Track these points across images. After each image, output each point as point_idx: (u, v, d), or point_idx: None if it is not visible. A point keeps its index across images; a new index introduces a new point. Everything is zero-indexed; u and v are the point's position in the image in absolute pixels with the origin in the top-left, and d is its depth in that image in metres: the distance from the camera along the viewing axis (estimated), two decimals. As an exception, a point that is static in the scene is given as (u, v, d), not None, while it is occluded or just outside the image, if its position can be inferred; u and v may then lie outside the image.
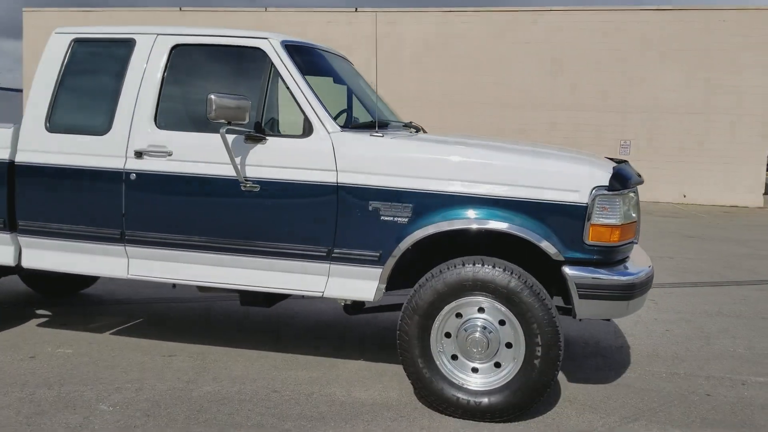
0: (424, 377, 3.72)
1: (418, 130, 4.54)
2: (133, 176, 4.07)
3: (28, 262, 4.38)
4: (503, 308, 3.63)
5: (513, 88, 20.48)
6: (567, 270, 3.57)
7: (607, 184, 3.55)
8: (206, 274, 4.10)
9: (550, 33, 20.32)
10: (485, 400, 3.65)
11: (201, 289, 4.52)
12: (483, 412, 3.65)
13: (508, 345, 3.68)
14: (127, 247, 4.14)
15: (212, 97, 3.65)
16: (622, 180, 3.59)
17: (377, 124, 4.10)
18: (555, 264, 3.63)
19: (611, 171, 3.60)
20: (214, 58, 4.18)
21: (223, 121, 3.69)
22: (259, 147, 3.90)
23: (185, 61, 4.17)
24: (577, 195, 3.56)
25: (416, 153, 3.81)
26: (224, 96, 3.66)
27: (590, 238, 3.56)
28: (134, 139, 4.08)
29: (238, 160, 3.91)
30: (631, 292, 3.60)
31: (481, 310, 3.70)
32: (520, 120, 20.30)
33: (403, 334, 3.74)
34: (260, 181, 3.88)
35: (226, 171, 3.94)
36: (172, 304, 6.08)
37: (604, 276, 3.56)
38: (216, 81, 4.17)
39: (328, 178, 3.82)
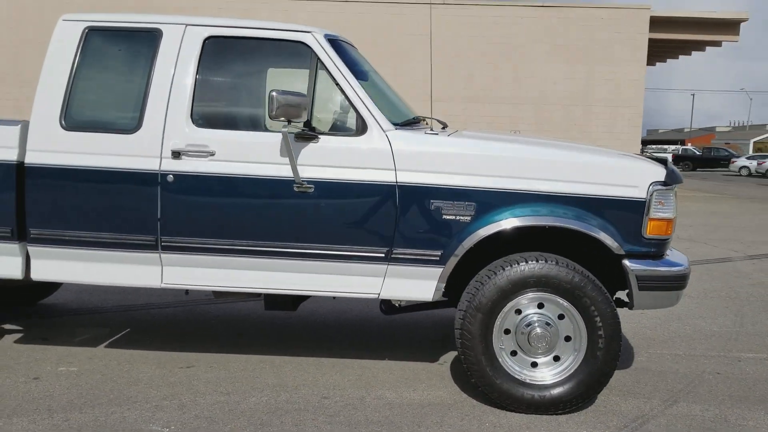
0: (488, 375, 3.75)
1: (444, 126, 4.52)
2: (170, 178, 3.77)
3: (38, 274, 3.95)
4: (565, 303, 3.72)
5: (410, 80, 20.73)
6: (628, 263, 3.72)
7: (663, 179, 3.72)
8: (250, 279, 3.88)
9: (447, 26, 20.74)
10: (548, 393, 3.74)
11: (218, 295, 4.29)
12: (547, 405, 3.74)
13: (567, 338, 3.79)
14: (162, 255, 3.84)
15: (275, 94, 3.46)
16: (673, 176, 3.77)
17: (415, 121, 4.05)
18: (613, 258, 3.76)
19: (665, 168, 3.77)
20: (251, 52, 3.95)
21: (283, 119, 3.52)
22: (311, 146, 3.74)
23: (219, 54, 3.90)
24: (636, 190, 3.71)
25: (478, 151, 3.80)
26: (286, 93, 3.49)
27: (648, 231, 3.72)
28: (170, 138, 3.78)
29: (287, 160, 3.73)
30: (683, 282, 3.81)
31: (540, 305, 3.77)
32: (417, 111, 20.60)
33: (466, 333, 3.74)
34: (314, 182, 3.73)
35: (276, 171, 3.75)
36: (152, 310, 5.72)
37: (661, 268, 3.74)
38: (254, 76, 3.95)
39: (387, 177, 3.73)
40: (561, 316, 3.78)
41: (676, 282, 3.77)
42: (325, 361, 4.54)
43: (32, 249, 3.88)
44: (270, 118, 3.53)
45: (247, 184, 3.76)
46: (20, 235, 3.87)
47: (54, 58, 3.86)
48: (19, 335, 4.92)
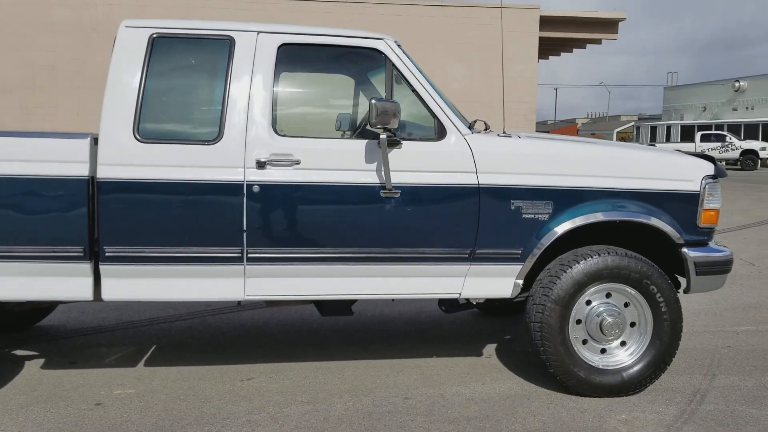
0: (566, 364, 3.96)
1: (487, 127, 4.67)
2: (256, 188, 3.68)
3: (110, 294, 3.72)
4: (632, 291, 4.01)
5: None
6: (687, 251, 4.05)
7: (713, 173, 4.09)
8: (335, 286, 3.87)
9: (350, 24, 20.84)
10: (620, 376, 4.01)
11: (270, 303, 4.25)
12: (620, 388, 4.01)
13: (632, 324, 4.07)
14: (246, 266, 3.74)
15: (374, 102, 3.49)
16: (720, 170, 4.14)
17: (473, 124, 4.18)
18: (670, 247, 4.08)
19: (714, 163, 4.13)
20: (324, 59, 3.93)
21: (380, 127, 3.56)
22: (395, 152, 3.78)
23: (294, 61, 3.85)
24: (691, 184, 4.04)
25: (552, 152, 3.99)
26: (384, 101, 3.53)
27: (702, 221, 4.07)
28: (253, 148, 3.69)
29: (375, 165, 3.76)
30: (730, 266, 4.19)
31: (608, 295, 4.04)
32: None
33: (546, 325, 3.93)
34: (400, 187, 3.78)
35: (362, 178, 3.76)
36: (161, 324, 5.49)
37: (714, 254, 4.10)
38: (328, 83, 3.93)
39: (469, 179, 3.85)
40: (626, 304, 4.06)
41: (726, 266, 4.15)
42: (377, 363, 4.59)
43: (105, 268, 3.66)
44: (370, 125, 3.56)
45: (334, 191, 3.75)
46: (92, 254, 3.65)
47: (121, 67, 3.65)
48: (39, 360, 4.60)
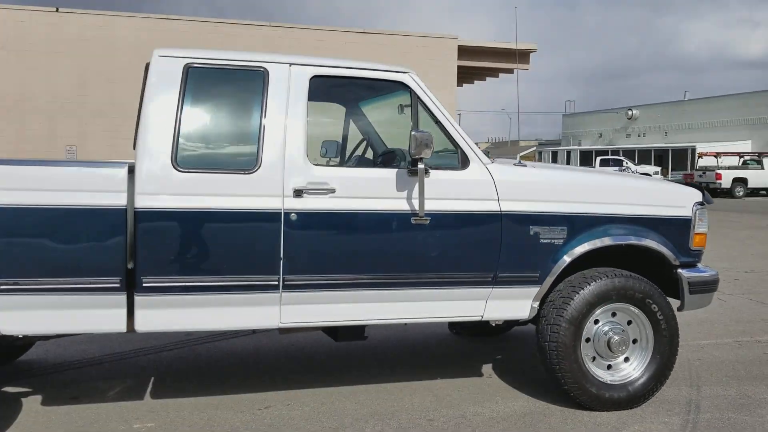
0: (580, 381, 4.19)
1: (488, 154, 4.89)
2: (293, 216, 3.72)
3: (144, 326, 3.64)
4: (636, 310, 4.30)
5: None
6: (682, 272, 4.40)
7: (701, 200, 4.47)
8: (366, 312, 3.96)
9: (275, 48, 20.87)
10: (626, 390, 4.28)
11: (283, 331, 4.28)
12: (626, 401, 4.28)
13: (634, 341, 4.37)
14: (282, 294, 3.76)
15: (415, 133, 3.65)
16: (707, 197, 4.53)
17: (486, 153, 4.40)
18: (666, 268, 4.41)
19: (702, 191, 4.52)
20: (351, 91, 4.03)
21: (417, 157, 3.71)
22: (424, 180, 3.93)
23: (324, 93, 3.95)
24: (684, 210, 4.41)
25: (566, 180, 4.26)
26: (421, 132, 3.68)
27: (694, 244, 4.43)
28: (290, 177, 3.74)
29: (405, 193, 3.90)
30: (717, 285, 4.57)
31: (613, 314, 4.32)
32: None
33: (560, 345, 4.16)
34: (429, 214, 3.93)
35: (394, 205, 3.89)
36: (149, 355, 5.36)
37: (704, 274, 4.47)
38: (355, 114, 4.03)
39: (492, 207, 4.04)
40: (629, 322, 4.35)
41: (714, 285, 4.53)
42: (387, 387, 4.68)
43: (140, 299, 3.59)
44: (411, 156, 3.70)
45: (368, 219, 3.85)
46: (129, 284, 3.57)
47: (155, 95, 3.63)
48: (36, 397, 4.40)
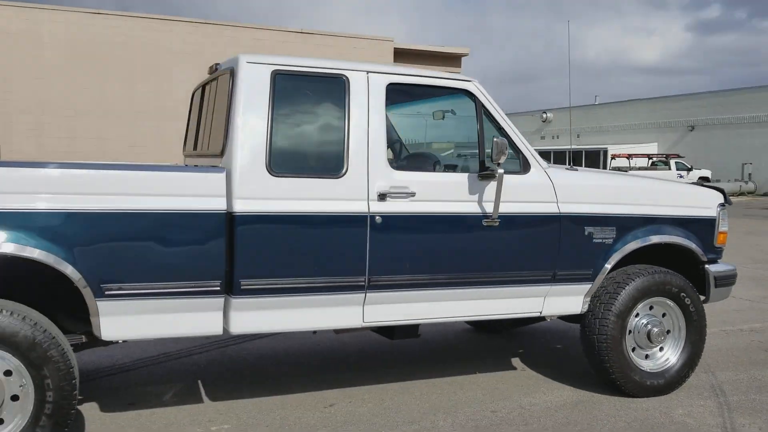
0: (626, 370, 4.51)
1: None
2: (378, 219, 3.84)
3: (238, 327, 3.67)
4: (671, 303, 4.66)
5: (174, 97, 20.07)
6: (709, 267, 4.79)
7: (723, 201, 4.88)
8: (439, 310, 4.13)
9: (208, 42, 20.52)
10: (664, 378, 4.63)
11: (338, 331, 4.41)
12: (664, 387, 4.63)
13: (668, 331, 4.73)
14: (367, 294, 3.87)
15: (497, 140, 3.86)
16: (727, 199, 4.95)
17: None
18: (693, 263, 4.80)
19: (723, 193, 4.93)
20: (421, 98, 4.19)
21: (497, 162, 3.91)
22: (492, 184, 4.12)
23: (397, 100, 4.08)
24: (710, 210, 4.81)
25: (615, 184, 4.57)
26: (501, 139, 3.89)
27: (717, 242, 4.84)
28: (374, 181, 3.85)
29: (476, 196, 4.09)
30: (735, 279, 5.00)
31: (651, 307, 4.66)
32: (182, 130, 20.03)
33: (609, 338, 4.46)
34: (498, 216, 4.13)
35: (467, 208, 4.07)
36: (193, 356, 5.31)
37: (726, 269, 4.89)
38: (424, 120, 4.19)
39: (552, 209, 4.30)
40: (663, 314, 4.71)
41: (734, 279, 4.96)
42: (434, 382, 4.86)
43: (237, 301, 3.62)
44: (493, 160, 3.89)
45: (446, 221, 4.02)
46: (227, 287, 3.60)
47: (246, 101, 3.65)
48: (92, 403, 4.32)
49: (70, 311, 3.70)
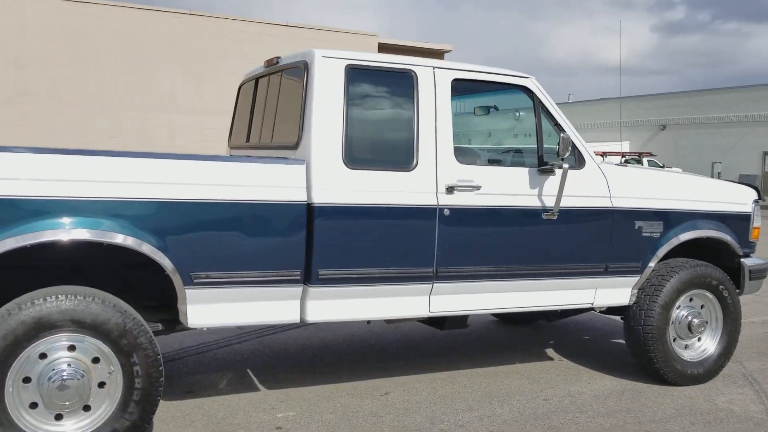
0: (669, 360, 4.67)
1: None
2: (446, 212, 3.92)
3: (314, 316, 3.72)
4: (710, 295, 4.84)
5: (157, 90, 19.88)
6: (744, 261, 4.97)
7: (757, 197, 5.08)
8: (501, 300, 4.23)
9: (191, 33, 20.36)
10: (703, 366, 4.80)
11: (389, 321, 4.50)
12: (704, 376, 4.80)
13: (706, 323, 4.90)
14: (434, 284, 3.96)
15: (563, 136, 3.97)
16: (761, 195, 5.14)
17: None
18: (731, 257, 4.98)
19: (757, 189, 5.12)
20: (482, 94, 4.27)
21: (563, 157, 4.03)
22: (551, 179, 4.24)
23: (459, 94, 4.17)
24: (746, 206, 4.99)
25: (662, 180, 4.72)
26: (567, 135, 4.00)
27: (752, 237, 5.02)
28: (443, 175, 3.93)
29: (536, 190, 4.20)
30: (767, 273, 5.19)
31: (690, 299, 4.83)
32: (165, 123, 19.86)
33: (654, 328, 4.61)
34: (558, 209, 4.25)
35: (529, 201, 4.18)
36: (234, 346, 5.34)
37: (759, 263, 5.08)
38: (485, 115, 4.28)
39: (605, 203, 4.42)
40: (702, 306, 4.88)
41: (766, 273, 5.15)
42: (479, 371, 4.96)
43: (314, 290, 3.67)
44: (559, 156, 4.00)
45: (509, 214, 4.12)
46: (306, 277, 3.65)
47: (322, 95, 3.70)
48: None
49: (141, 300, 3.71)
